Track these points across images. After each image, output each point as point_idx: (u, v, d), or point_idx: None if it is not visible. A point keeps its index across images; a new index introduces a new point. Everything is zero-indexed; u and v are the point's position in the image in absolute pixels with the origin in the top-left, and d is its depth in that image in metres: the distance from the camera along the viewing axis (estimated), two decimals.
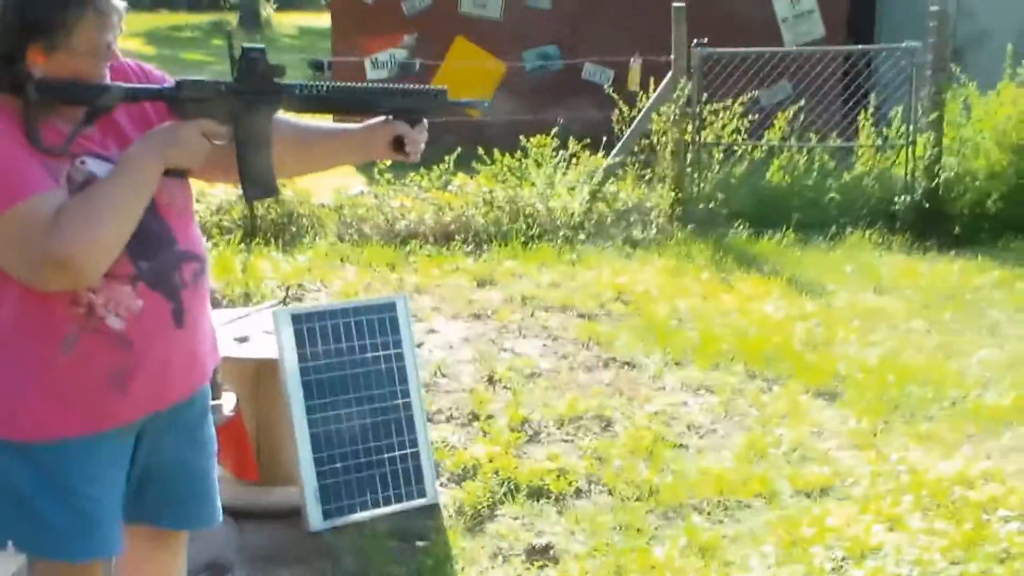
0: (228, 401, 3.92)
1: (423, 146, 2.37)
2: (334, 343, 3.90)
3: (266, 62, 2.21)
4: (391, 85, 2.42)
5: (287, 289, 6.62)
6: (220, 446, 2.60)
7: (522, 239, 7.91)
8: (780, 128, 9.02)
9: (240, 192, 2.33)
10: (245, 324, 4.19)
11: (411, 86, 2.38)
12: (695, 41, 8.85)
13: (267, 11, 39.84)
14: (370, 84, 2.45)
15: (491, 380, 5.25)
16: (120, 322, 2.14)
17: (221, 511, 2.54)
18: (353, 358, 3.94)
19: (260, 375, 3.97)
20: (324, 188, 8.33)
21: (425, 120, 2.35)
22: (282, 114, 2.31)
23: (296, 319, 3.85)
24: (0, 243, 2.03)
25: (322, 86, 2.32)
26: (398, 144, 2.34)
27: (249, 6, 38.52)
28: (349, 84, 2.35)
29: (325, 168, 2.61)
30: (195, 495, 2.45)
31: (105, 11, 2.08)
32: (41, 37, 2.03)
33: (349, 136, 2.41)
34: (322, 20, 16.24)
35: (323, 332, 3.88)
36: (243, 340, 4.02)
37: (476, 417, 4.80)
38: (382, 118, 2.35)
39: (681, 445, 4.55)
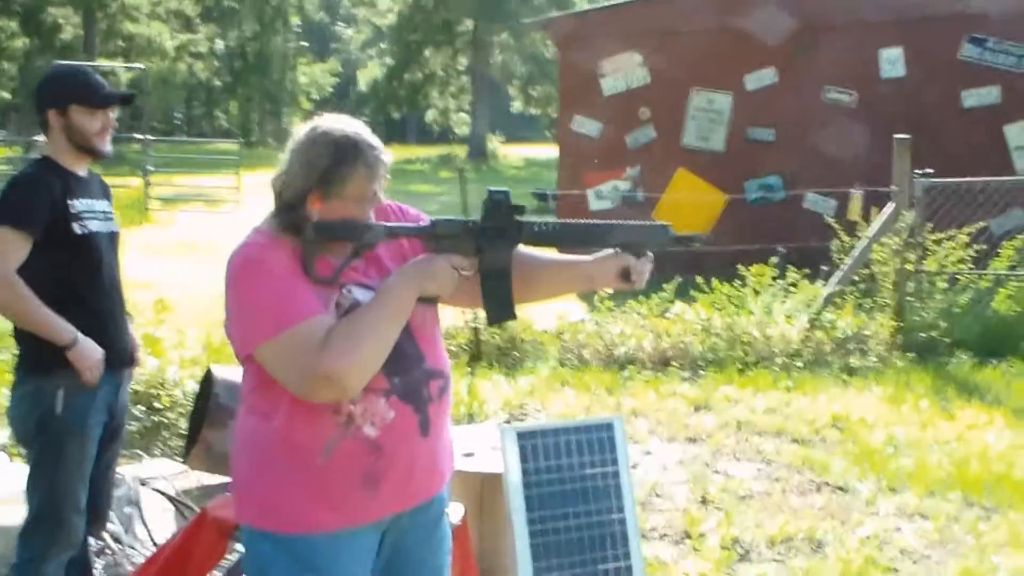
0: (456, 511, 4.22)
1: (648, 276, 2.60)
2: (555, 459, 4.17)
3: (508, 203, 2.52)
4: (618, 221, 2.66)
5: (510, 411, 6.95)
6: None
7: (739, 366, 8.05)
8: (1008, 256, 8.90)
9: (485, 317, 2.63)
10: (472, 440, 4.53)
11: (637, 222, 2.63)
12: (918, 172, 8.88)
13: (493, 143, 41.54)
14: (597, 221, 2.72)
15: (704, 500, 5.40)
16: (374, 430, 2.45)
17: None
18: (572, 474, 4.18)
19: (485, 487, 4.28)
20: (546, 314, 8.68)
21: (649, 252, 2.58)
22: (521, 247, 2.59)
23: (521, 436, 4.13)
24: (279, 358, 2.38)
25: (556, 224, 2.61)
26: (625, 274, 2.58)
27: (477, 139, 40.25)
28: (580, 221, 2.63)
29: (558, 295, 2.86)
30: None
31: (374, 165, 2.44)
32: (320, 187, 2.41)
33: (580, 267, 2.65)
34: (545, 151, 16.89)
35: (545, 448, 4.14)
36: (469, 455, 4.37)
37: (688, 535, 4.95)
38: (611, 251, 2.60)
39: (893, 570, 4.58)
